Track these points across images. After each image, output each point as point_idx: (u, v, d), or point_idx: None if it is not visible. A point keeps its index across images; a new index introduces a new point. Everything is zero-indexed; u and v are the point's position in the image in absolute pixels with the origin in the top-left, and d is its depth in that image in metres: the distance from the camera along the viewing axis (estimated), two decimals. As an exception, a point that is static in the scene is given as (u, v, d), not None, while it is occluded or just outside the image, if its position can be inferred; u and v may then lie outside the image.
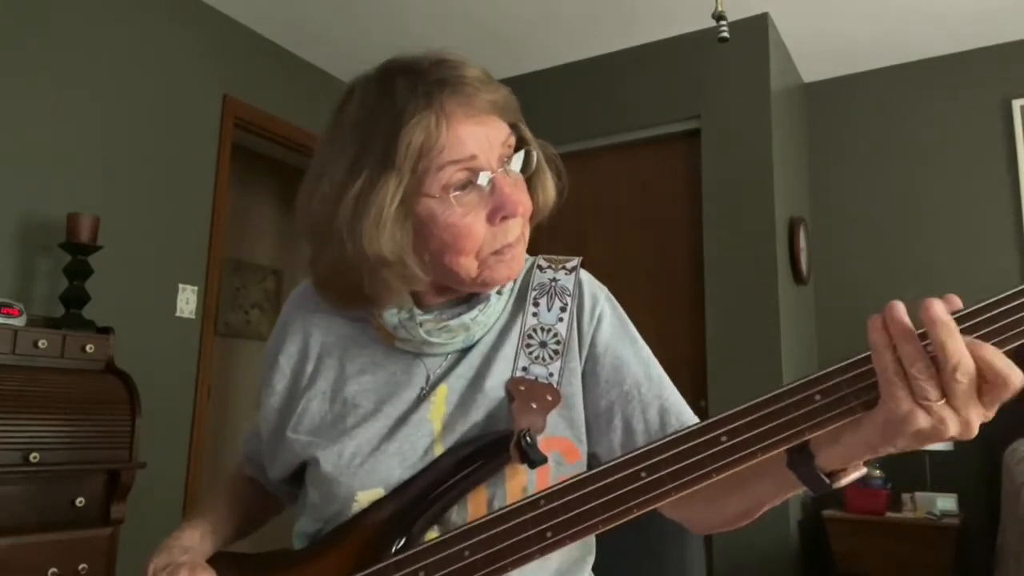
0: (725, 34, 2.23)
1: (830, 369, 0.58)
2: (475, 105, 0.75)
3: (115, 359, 2.38)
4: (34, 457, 2.01)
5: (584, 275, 0.89)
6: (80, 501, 2.13)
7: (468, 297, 0.84)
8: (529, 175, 0.83)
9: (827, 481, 0.62)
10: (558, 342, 0.83)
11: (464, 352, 0.83)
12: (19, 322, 2.20)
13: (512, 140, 0.79)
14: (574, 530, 0.63)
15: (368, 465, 0.77)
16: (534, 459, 0.70)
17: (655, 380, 0.83)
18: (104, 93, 2.73)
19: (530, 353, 0.82)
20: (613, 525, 0.63)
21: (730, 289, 3.07)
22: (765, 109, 3.11)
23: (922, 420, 0.53)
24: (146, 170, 2.85)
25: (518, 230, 0.79)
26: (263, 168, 4.55)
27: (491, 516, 0.66)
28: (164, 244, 2.89)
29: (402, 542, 0.72)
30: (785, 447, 0.60)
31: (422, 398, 0.81)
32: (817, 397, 0.58)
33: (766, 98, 3.12)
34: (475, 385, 0.80)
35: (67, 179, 2.59)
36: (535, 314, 0.84)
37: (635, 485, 0.62)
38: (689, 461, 0.61)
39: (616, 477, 0.63)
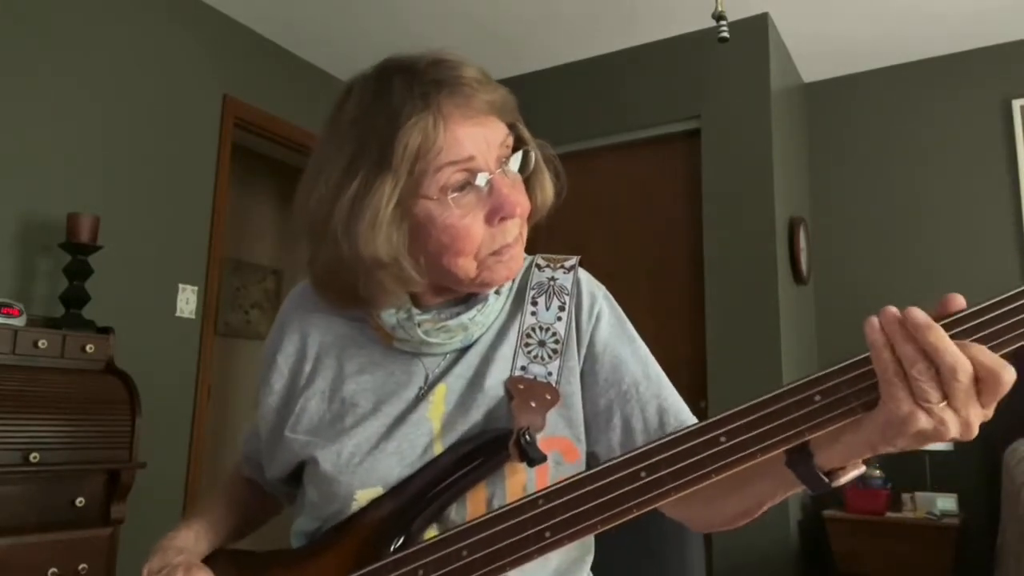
0: (725, 34, 2.23)
1: (830, 369, 0.59)
2: (473, 106, 0.74)
3: (115, 359, 2.38)
4: (34, 457, 2.01)
5: (582, 274, 0.89)
6: (80, 501, 2.13)
7: (466, 297, 0.84)
8: (527, 175, 0.83)
9: (826, 480, 0.62)
10: (556, 341, 0.83)
11: (462, 352, 0.83)
12: (19, 322, 2.20)
13: (510, 140, 0.79)
14: (573, 530, 0.63)
15: (367, 464, 0.77)
16: (533, 457, 0.70)
17: (653, 379, 0.83)
18: (104, 93, 2.73)
19: (529, 352, 0.82)
20: (612, 525, 0.63)
21: (730, 289, 3.07)
22: (765, 109, 3.11)
23: (923, 421, 0.54)
24: (146, 170, 2.85)
25: (516, 230, 0.79)
26: (263, 168, 4.55)
27: (490, 515, 0.66)
28: (164, 244, 2.89)
29: (401, 540, 0.72)
30: (784, 448, 0.60)
31: (420, 397, 0.81)
32: (817, 398, 0.58)
33: (766, 98, 3.12)
34: (474, 384, 0.80)
35: (67, 179, 2.59)
36: (533, 313, 0.84)
37: (634, 485, 0.62)
38: (688, 461, 0.61)
39: (615, 477, 0.63)
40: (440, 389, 0.81)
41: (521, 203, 0.78)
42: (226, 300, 4.40)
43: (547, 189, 0.86)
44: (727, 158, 3.17)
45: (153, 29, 2.92)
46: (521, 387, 0.78)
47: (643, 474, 0.62)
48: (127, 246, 2.72)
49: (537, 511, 0.64)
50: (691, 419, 0.81)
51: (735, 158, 3.15)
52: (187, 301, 2.96)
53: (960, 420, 0.54)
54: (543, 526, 0.64)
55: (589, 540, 0.85)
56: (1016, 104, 3.28)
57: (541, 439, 0.74)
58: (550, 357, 0.81)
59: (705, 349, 3.09)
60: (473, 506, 0.75)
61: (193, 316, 2.98)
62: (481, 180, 0.75)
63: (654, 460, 0.62)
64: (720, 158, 3.19)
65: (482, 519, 0.66)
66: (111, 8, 2.77)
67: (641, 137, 3.43)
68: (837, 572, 2.89)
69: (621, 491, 0.62)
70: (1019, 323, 0.54)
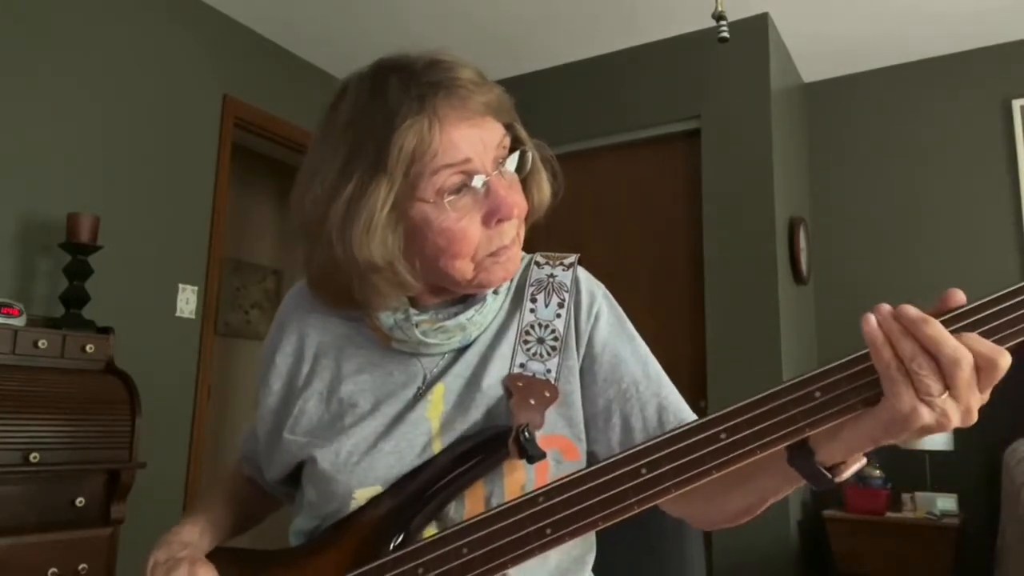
0: (725, 34, 2.23)
1: (830, 366, 0.59)
2: (469, 107, 0.74)
3: (115, 359, 2.38)
4: (34, 457, 2.01)
5: (581, 272, 0.89)
6: (80, 501, 2.13)
7: (464, 296, 0.84)
8: (524, 175, 0.83)
9: (829, 476, 0.62)
10: (555, 338, 0.82)
11: (461, 351, 0.83)
12: (19, 322, 2.20)
13: (507, 141, 0.79)
14: (573, 527, 0.63)
15: (365, 463, 0.77)
16: (532, 454, 0.70)
17: (653, 378, 0.83)
18: (104, 93, 2.73)
19: (528, 349, 0.82)
20: (613, 522, 0.63)
21: (730, 289, 3.07)
22: (765, 109, 3.11)
23: (926, 416, 0.54)
24: (146, 170, 2.85)
25: (513, 232, 0.79)
26: (263, 168, 4.55)
27: (490, 513, 0.66)
28: (164, 244, 2.89)
29: (400, 539, 0.72)
30: (785, 444, 0.60)
31: (419, 397, 0.81)
32: (817, 394, 0.58)
33: (766, 98, 3.12)
34: (473, 384, 0.80)
35: (67, 179, 2.59)
36: (532, 310, 0.84)
37: (635, 482, 0.62)
38: (689, 458, 0.61)
39: (616, 474, 0.63)
40: (439, 389, 0.80)
41: (518, 204, 0.78)
42: (226, 300, 4.40)
43: (544, 189, 0.86)
44: (727, 158, 3.17)
45: (153, 29, 2.92)
46: (520, 384, 0.78)
47: (643, 471, 0.62)
48: (127, 246, 2.72)
49: (537, 508, 0.64)
50: (691, 417, 0.81)
51: (735, 158, 3.15)
52: (187, 301, 2.96)
53: (961, 409, 0.54)
54: (543, 523, 0.64)
55: (591, 538, 0.85)
56: (1016, 104, 3.28)
57: (540, 437, 0.73)
58: (549, 354, 0.81)
59: (705, 349, 3.09)
60: (472, 504, 0.75)
61: (193, 316, 2.98)
62: (477, 182, 0.75)
63: (654, 457, 0.62)
64: (720, 158, 3.19)
65: (482, 517, 0.66)
66: (111, 8, 2.77)
67: (641, 137, 3.43)
68: (837, 572, 2.89)
69: (621, 488, 0.62)
70: (1019, 318, 0.54)
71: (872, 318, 0.56)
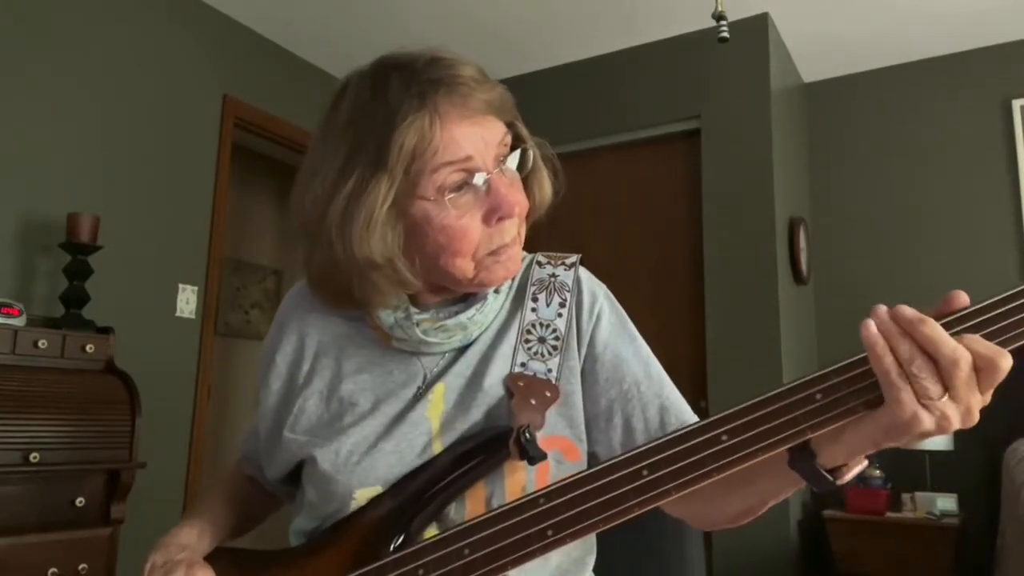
0: (725, 34, 2.23)
1: (831, 368, 0.58)
2: (470, 105, 0.74)
3: (115, 359, 2.38)
4: (34, 457, 2.01)
5: (583, 272, 0.88)
6: (80, 501, 2.13)
7: (465, 296, 0.84)
8: (526, 174, 0.83)
9: (830, 478, 0.62)
10: (557, 338, 0.82)
11: (462, 350, 0.83)
12: (19, 322, 2.19)
13: (508, 139, 0.79)
14: (574, 528, 0.63)
15: (365, 463, 0.76)
16: (533, 455, 0.70)
17: (655, 378, 0.83)
18: (104, 93, 2.73)
19: (529, 349, 0.81)
20: (614, 524, 0.63)
21: (730, 289, 3.07)
22: (765, 109, 3.11)
23: (927, 421, 0.54)
24: (146, 170, 2.85)
25: (514, 230, 0.79)
26: (263, 168, 4.55)
27: (491, 514, 0.66)
28: (164, 244, 2.89)
29: (400, 540, 0.72)
30: (786, 447, 0.60)
31: (419, 396, 0.80)
32: (818, 396, 0.58)
33: (766, 98, 3.12)
34: (474, 383, 0.80)
35: (67, 179, 2.59)
36: (534, 309, 0.84)
37: (636, 484, 0.62)
38: (690, 460, 0.61)
39: (617, 476, 0.62)
40: (439, 388, 0.80)
41: (519, 202, 0.77)
42: (226, 300, 4.40)
43: (545, 188, 0.86)
44: (727, 158, 3.17)
45: (153, 29, 2.92)
46: (521, 384, 0.78)
47: (644, 472, 0.62)
48: (127, 246, 2.72)
49: (538, 510, 0.64)
50: (693, 418, 0.81)
51: (735, 158, 3.15)
52: (187, 301, 2.96)
53: (961, 410, 0.54)
54: (544, 524, 0.64)
55: (591, 540, 0.85)
56: (1016, 104, 3.28)
57: (541, 438, 0.73)
58: (550, 354, 0.81)
59: (705, 349, 3.09)
60: (472, 505, 0.75)
61: (193, 316, 2.98)
62: (479, 180, 0.75)
63: (655, 459, 0.62)
64: (720, 158, 3.19)
65: (483, 517, 0.66)
66: (111, 8, 2.77)
67: (641, 137, 3.43)
68: (837, 572, 2.89)
69: (622, 490, 0.62)
70: (1022, 321, 0.54)
71: (871, 324, 0.55)
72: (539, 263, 0.88)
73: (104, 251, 2.48)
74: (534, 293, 0.85)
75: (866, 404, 0.57)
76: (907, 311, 0.55)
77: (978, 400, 0.55)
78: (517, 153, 0.80)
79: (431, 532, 0.73)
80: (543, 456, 0.71)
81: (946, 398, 0.54)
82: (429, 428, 0.78)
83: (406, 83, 0.74)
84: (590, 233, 3.41)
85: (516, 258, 0.81)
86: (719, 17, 2.24)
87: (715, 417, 0.61)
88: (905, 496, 2.95)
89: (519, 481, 0.75)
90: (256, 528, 0.98)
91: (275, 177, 4.64)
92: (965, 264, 3.28)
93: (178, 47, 3.01)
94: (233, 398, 4.40)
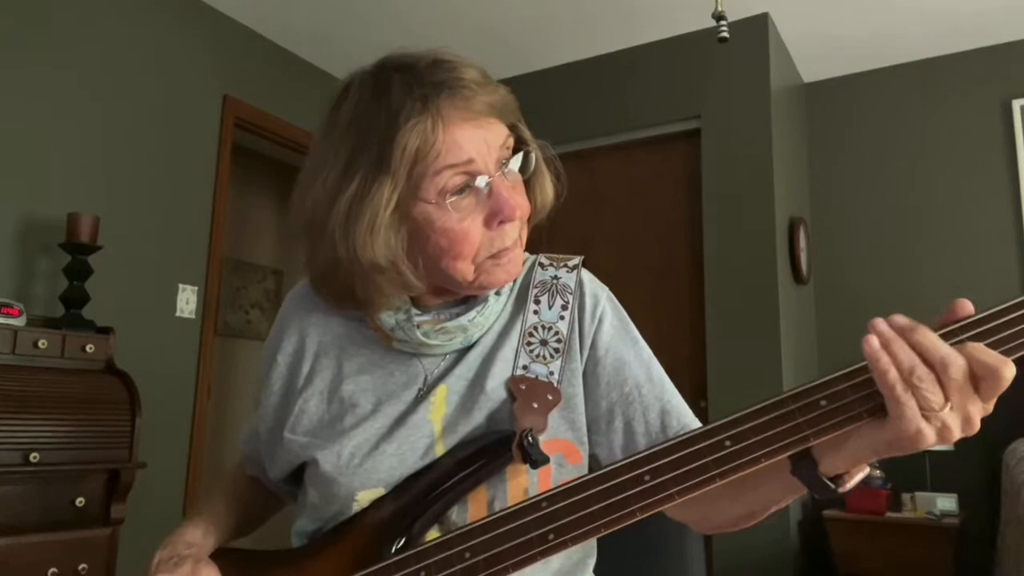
0: (725, 34, 2.23)
1: (835, 375, 0.58)
2: (472, 108, 0.74)
3: (115, 359, 2.38)
4: (34, 457, 2.01)
5: (585, 274, 0.88)
6: (80, 501, 2.13)
7: (466, 298, 0.83)
8: (528, 177, 0.82)
9: (832, 486, 0.61)
10: (559, 340, 0.82)
11: (463, 352, 0.83)
12: (19, 322, 2.19)
13: (510, 142, 0.79)
14: (576, 532, 0.63)
15: (367, 465, 0.76)
16: (536, 459, 0.70)
17: (656, 382, 0.83)
18: (104, 93, 2.73)
19: (531, 351, 0.81)
20: (616, 528, 0.62)
21: (730, 289, 3.07)
22: (765, 109, 3.11)
23: (930, 436, 0.55)
24: (146, 170, 2.85)
25: (515, 234, 0.79)
26: (263, 168, 4.55)
27: (493, 517, 0.66)
28: (164, 244, 2.89)
29: (402, 542, 0.72)
30: (789, 453, 0.59)
31: (420, 399, 0.80)
32: (823, 403, 0.58)
33: (766, 98, 3.12)
34: (475, 386, 0.80)
35: (67, 179, 2.59)
36: (536, 312, 0.84)
37: (638, 488, 0.62)
38: (692, 465, 0.60)
39: (619, 480, 0.62)
40: (441, 390, 0.80)
41: (521, 206, 0.77)
42: (226, 300, 4.40)
43: (547, 190, 0.86)
44: (727, 158, 3.17)
45: (153, 29, 2.91)
46: (523, 387, 0.78)
47: (647, 477, 0.61)
48: (127, 246, 2.72)
49: (541, 513, 0.64)
50: (694, 422, 0.81)
51: (735, 158, 3.15)
52: (187, 301, 2.96)
53: (961, 419, 0.54)
54: (547, 528, 0.64)
55: (591, 542, 0.85)
56: (1016, 104, 3.28)
57: (543, 441, 0.73)
58: (552, 356, 0.81)
59: (705, 349, 3.09)
60: (475, 508, 0.75)
61: (193, 316, 2.98)
62: (480, 183, 0.74)
63: (658, 463, 0.62)
64: (720, 158, 3.19)
65: (486, 520, 0.66)
66: (111, 8, 2.77)
67: (641, 137, 3.43)
68: (837, 572, 2.89)
69: (625, 494, 0.62)
70: (1021, 332, 0.54)
71: (874, 339, 0.55)
72: (541, 265, 0.88)
73: (104, 251, 2.48)
74: (536, 295, 0.85)
75: (870, 411, 0.57)
76: (900, 319, 0.55)
77: (978, 409, 0.55)
78: (520, 156, 0.80)
79: (433, 535, 0.73)
80: (546, 460, 0.71)
81: (947, 408, 0.54)
82: (431, 430, 0.78)
83: (408, 85, 0.74)
84: (590, 233, 3.41)
85: (517, 261, 0.80)
86: (719, 17, 2.24)
87: (719, 422, 0.61)
88: (905, 496, 2.95)
89: (521, 484, 0.75)
90: (259, 528, 0.98)
91: (275, 177, 4.64)
92: (965, 264, 3.28)
93: (178, 47, 3.00)
94: (233, 398, 4.40)
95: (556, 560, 0.79)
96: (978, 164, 3.33)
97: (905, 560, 2.77)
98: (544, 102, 3.58)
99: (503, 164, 0.77)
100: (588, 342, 0.83)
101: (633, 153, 3.47)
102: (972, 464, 3.06)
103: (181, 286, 2.94)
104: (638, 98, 3.42)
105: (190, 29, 3.06)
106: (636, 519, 0.62)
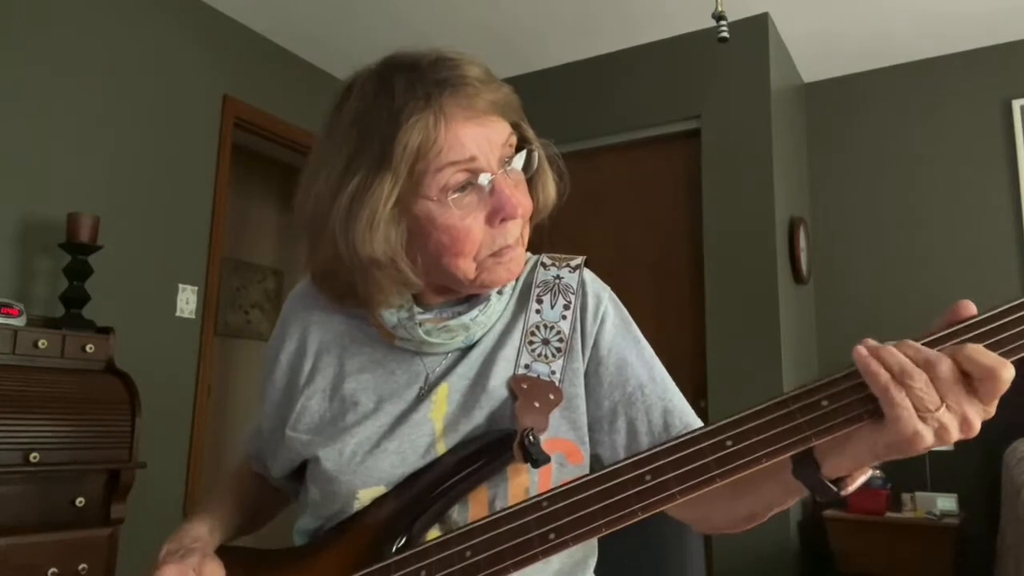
0: (725, 34, 2.23)
1: (837, 375, 0.59)
2: (475, 106, 0.74)
3: (115, 359, 2.38)
4: (34, 457, 2.01)
5: (588, 274, 0.88)
6: (80, 501, 2.13)
7: (468, 296, 0.83)
8: (530, 175, 0.83)
9: (834, 489, 0.62)
10: (561, 340, 0.82)
11: (465, 351, 0.83)
12: (19, 322, 2.19)
13: (513, 140, 0.79)
14: (577, 532, 0.63)
15: (368, 463, 0.77)
16: (537, 459, 0.70)
17: (659, 382, 0.83)
18: (104, 93, 2.73)
19: (533, 350, 0.81)
20: (617, 528, 0.62)
21: (730, 289, 3.07)
22: (765, 109, 3.11)
23: (928, 437, 0.55)
24: (146, 170, 2.85)
25: (517, 232, 0.79)
26: (263, 168, 4.54)
27: (494, 516, 0.66)
28: (164, 244, 2.89)
29: (403, 541, 0.72)
30: (791, 453, 0.59)
31: (422, 397, 0.80)
32: (824, 403, 0.58)
33: (766, 98, 3.12)
34: (477, 385, 0.80)
35: (67, 179, 2.58)
36: (538, 311, 0.84)
37: (639, 488, 0.62)
38: (694, 465, 0.60)
39: (620, 480, 0.62)
40: (442, 389, 0.80)
41: (523, 204, 0.77)
42: (226, 300, 4.40)
43: (549, 189, 0.86)
44: (727, 158, 3.17)
45: (153, 29, 2.91)
46: (524, 387, 0.78)
47: (648, 477, 0.61)
48: (127, 246, 2.72)
49: (542, 513, 0.64)
50: (696, 422, 0.81)
51: (735, 158, 3.15)
52: (187, 301, 2.96)
53: (958, 419, 0.54)
54: (547, 528, 0.63)
55: (592, 542, 0.85)
56: (1016, 104, 3.28)
57: (544, 440, 0.73)
58: (554, 356, 0.81)
59: (705, 349, 3.09)
60: (476, 507, 0.75)
61: (193, 316, 2.98)
62: (483, 180, 0.75)
63: (659, 463, 0.62)
64: (720, 158, 3.19)
65: (487, 520, 0.66)
66: (111, 8, 2.77)
67: (641, 137, 3.43)
68: (837, 572, 2.89)
69: (626, 494, 0.62)
70: (1021, 334, 0.54)
71: (861, 348, 0.57)
72: (544, 264, 0.88)
73: (104, 251, 2.48)
74: (538, 295, 0.85)
75: (871, 413, 0.57)
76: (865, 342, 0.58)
77: (977, 410, 0.55)
78: (522, 154, 0.80)
79: (434, 534, 0.73)
80: (547, 459, 0.71)
81: (943, 409, 0.54)
82: (432, 429, 0.78)
83: (411, 83, 0.74)
84: (590, 233, 3.41)
85: (519, 259, 0.80)
86: (719, 17, 2.24)
87: (720, 422, 0.61)
88: (905, 496, 2.95)
89: (522, 484, 0.75)
90: (265, 525, 0.98)
91: (275, 177, 4.63)
92: (965, 264, 3.28)
93: (178, 47, 3.00)
94: (233, 398, 4.40)
95: (557, 560, 0.79)
96: (978, 164, 3.33)
97: (905, 560, 2.77)
98: (544, 102, 3.58)
99: (506, 162, 0.77)
100: (590, 342, 0.83)
101: (633, 153, 3.47)
102: (972, 464, 3.06)
103: (181, 286, 2.94)
104: (638, 98, 3.42)
105: (190, 29, 3.06)
106: (637, 519, 0.62)
